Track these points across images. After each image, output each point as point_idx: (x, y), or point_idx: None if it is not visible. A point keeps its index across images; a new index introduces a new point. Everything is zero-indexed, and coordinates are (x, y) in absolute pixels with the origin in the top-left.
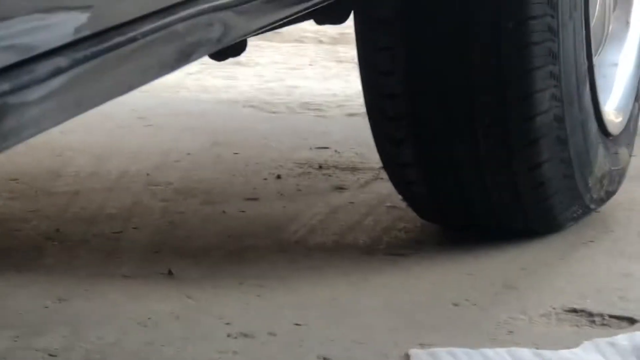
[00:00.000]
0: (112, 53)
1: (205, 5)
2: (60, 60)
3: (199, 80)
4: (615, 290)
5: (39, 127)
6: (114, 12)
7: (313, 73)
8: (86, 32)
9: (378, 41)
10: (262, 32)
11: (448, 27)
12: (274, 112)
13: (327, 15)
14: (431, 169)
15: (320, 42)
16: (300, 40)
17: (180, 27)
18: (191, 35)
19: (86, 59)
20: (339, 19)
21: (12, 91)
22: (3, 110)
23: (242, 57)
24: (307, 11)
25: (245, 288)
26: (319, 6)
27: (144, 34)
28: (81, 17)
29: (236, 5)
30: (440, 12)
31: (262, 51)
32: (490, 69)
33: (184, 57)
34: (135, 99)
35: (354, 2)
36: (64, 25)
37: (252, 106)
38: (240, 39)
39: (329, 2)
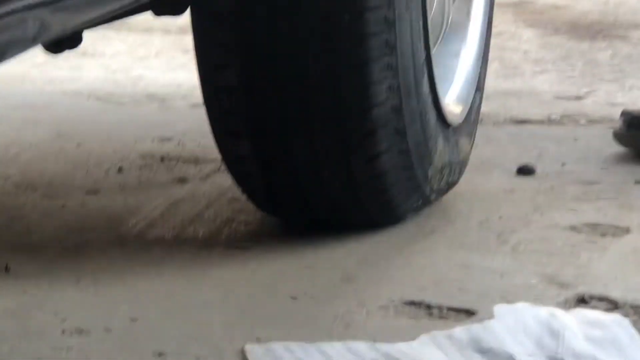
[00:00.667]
0: None
1: (18, 4)
2: None
3: (44, 71)
4: (454, 282)
5: None
6: None
7: (159, 63)
8: None
9: (214, 35)
10: (90, 26)
11: (282, 20)
12: (119, 104)
13: (164, 7)
14: (268, 163)
15: (168, 32)
16: (147, 30)
17: None
18: (2, 34)
19: None
20: (177, 11)
21: None
22: None
23: (88, 48)
24: (134, 5)
25: (81, 283)
26: (149, 4)
27: None
28: None
29: (52, 2)
30: (275, 6)
31: (108, 42)
32: (326, 61)
33: None
34: None
35: None
36: None
37: (97, 98)
38: (66, 34)
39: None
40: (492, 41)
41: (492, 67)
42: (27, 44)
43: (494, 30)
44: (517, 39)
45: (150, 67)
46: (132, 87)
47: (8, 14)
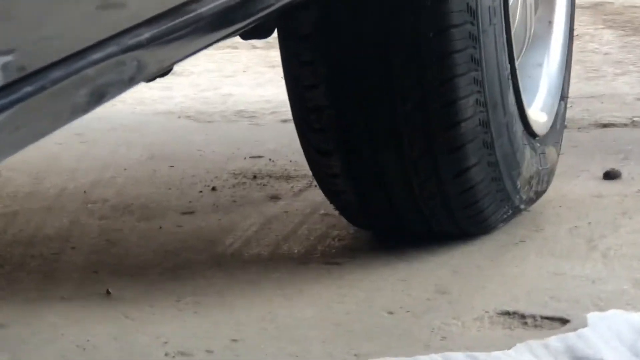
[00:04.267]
0: (22, 104)
1: (116, 48)
2: None
3: (135, 92)
4: (547, 291)
5: None
6: (21, 61)
7: (247, 79)
8: None
9: (301, 55)
10: (182, 60)
11: (367, 38)
12: (209, 122)
13: (252, 31)
14: (359, 179)
15: (254, 47)
16: (233, 46)
17: (90, 71)
18: (102, 77)
19: None
20: (264, 34)
21: None
22: None
23: (177, 67)
24: (227, 37)
25: (182, 305)
26: (239, 32)
27: (53, 82)
28: None
29: (148, 44)
30: (359, 24)
31: (196, 60)
32: (412, 78)
33: (96, 100)
34: None
35: (276, 18)
36: None
37: (187, 117)
38: (161, 71)
39: (247, 27)
40: (573, 44)
41: (574, 70)
42: (125, 86)
43: (575, 32)
44: (597, 40)
45: (239, 83)
46: (221, 105)
47: (105, 57)
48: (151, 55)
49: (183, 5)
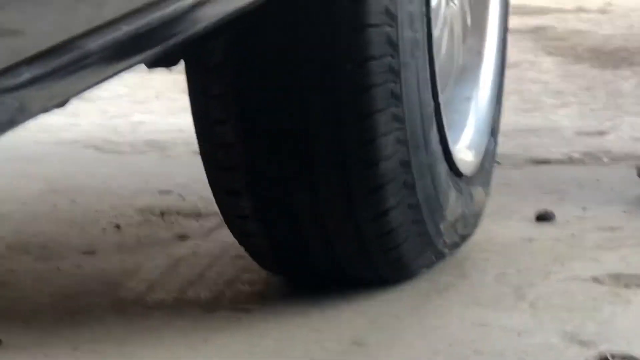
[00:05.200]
0: None
1: None
2: None
3: (38, 118)
4: (470, 343)
5: None
6: None
7: (159, 106)
8: None
9: (209, 88)
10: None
11: (281, 70)
12: (117, 152)
13: (156, 60)
14: (271, 221)
15: (168, 71)
16: (146, 70)
17: None
18: None
19: None
20: (169, 63)
21: None
22: None
23: (85, 92)
24: (123, 71)
25: (79, 354)
26: (137, 64)
27: None
28: None
29: (30, 84)
30: (272, 56)
31: (105, 83)
32: (328, 113)
33: None
34: None
35: (183, 49)
36: None
37: (94, 146)
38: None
39: (145, 60)
40: (509, 72)
41: (510, 101)
42: (4, 128)
43: (510, 59)
44: (536, 68)
45: (151, 110)
46: (131, 134)
47: None
48: (33, 96)
49: (68, 42)
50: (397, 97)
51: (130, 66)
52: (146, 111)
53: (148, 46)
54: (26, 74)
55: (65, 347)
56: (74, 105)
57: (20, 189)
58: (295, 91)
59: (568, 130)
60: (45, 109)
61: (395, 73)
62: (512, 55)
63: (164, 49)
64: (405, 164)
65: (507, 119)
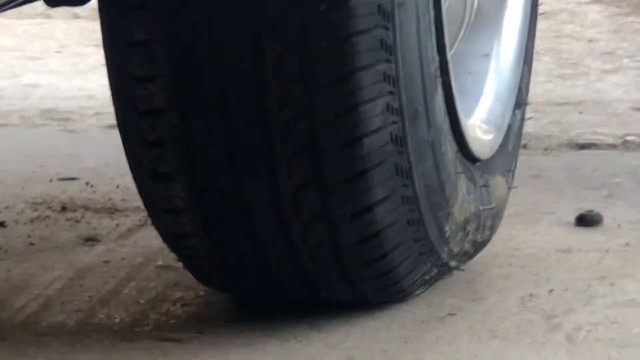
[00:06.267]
0: None
1: None
2: None
3: None
4: None
5: None
6: None
7: (61, 64)
8: None
9: (131, 33)
10: None
11: (232, 6)
12: (1, 126)
13: None
14: (212, 218)
15: (75, 16)
16: (44, 14)
17: None
18: None
19: None
20: (76, 1)
21: None
22: None
23: None
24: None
25: None
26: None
27: None
28: None
29: None
30: None
31: None
32: (294, 69)
33: None
34: None
35: None
36: None
37: None
38: None
39: None
40: (542, 24)
41: (542, 63)
42: None
43: (544, 7)
44: (578, 20)
45: (49, 69)
46: (21, 101)
47: None
48: None
49: None
50: (388, 49)
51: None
52: (43, 70)
53: None
54: None
55: None
56: None
57: None
58: (249, 34)
59: (621, 104)
60: None
61: (386, 15)
62: (546, 1)
63: None
64: (398, 142)
65: (537, 88)
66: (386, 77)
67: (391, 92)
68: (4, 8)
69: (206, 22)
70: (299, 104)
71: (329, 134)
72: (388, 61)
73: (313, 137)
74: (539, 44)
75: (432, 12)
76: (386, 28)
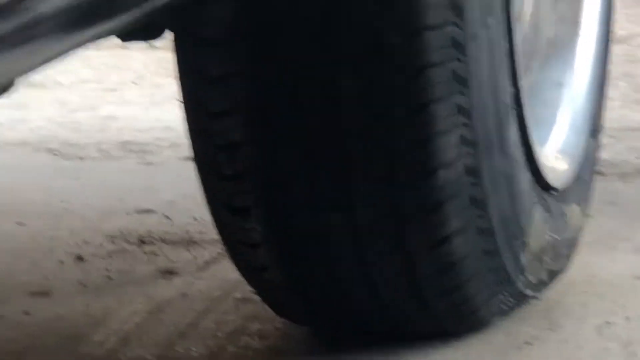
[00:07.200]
0: None
1: None
2: None
3: None
4: None
5: None
6: None
7: (138, 95)
8: None
9: (207, 69)
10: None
11: (309, 43)
12: (80, 158)
13: (132, 32)
14: (289, 251)
15: (151, 47)
16: (121, 45)
17: None
18: None
19: None
20: (150, 36)
21: None
22: None
23: (37, 76)
24: (87, 43)
25: None
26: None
27: None
28: None
29: None
30: (297, 25)
31: (64, 65)
32: (369, 103)
33: None
34: None
35: (169, 17)
36: None
37: (49, 150)
38: None
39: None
40: (617, 50)
41: (618, 89)
42: None
43: (618, 32)
44: None
45: (126, 100)
46: (99, 133)
47: None
48: None
49: (14, 2)
50: (462, 82)
51: (97, 37)
52: (120, 102)
53: (119, 9)
54: None
55: None
56: (23, 93)
57: None
58: (327, 73)
59: None
60: None
61: (459, 48)
62: (620, 25)
63: (142, 15)
64: (473, 173)
65: (613, 114)
66: (460, 109)
67: (465, 124)
68: (83, 46)
69: (282, 58)
70: (376, 137)
71: (405, 166)
72: (462, 93)
73: (390, 170)
74: (614, 69)
75: (504, 43)
76: (459, 60)
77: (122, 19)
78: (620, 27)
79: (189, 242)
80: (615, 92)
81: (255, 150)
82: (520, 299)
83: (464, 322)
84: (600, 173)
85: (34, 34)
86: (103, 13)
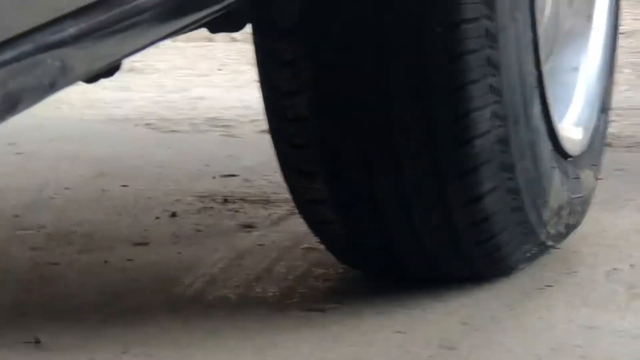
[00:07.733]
0: None
1: (32, 46)
2: None
3: (85, 92)
4: (576, 348)
5: None
6: None
7: (222, 80)
8: None
9: (279, 54)
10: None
11: (363, 34)
12: (173, 132)
13: (220, 23)
14: (349, 207)
15: (233, 39)
16: (208, 38)
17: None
18: (14, 81)
19: None
20: (235, 27)
21: None
22: None
23: (138, 63)
24: (178, 33)
25: (129, 357)
26: (196, 26)
27: None
28: None
29: (74, 41)
30: (353, 18)
31: (162, 54)
32: (415, 84)
33: (7, 109)
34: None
35: (249, 8)
36: None
37: (147, 125)
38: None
39: (204, 20)
40: (623, 42)
41: (623, 75)
42: (45, 92)
43: (623, 27)
44: None
45: (213, 84)
46: (190, 111)
47: (18, 57)
48: (78, 55)
49: None
50: (494, 66)
51: (188, 26)
52: (207, 85)
53: (208, 4)
54: (70, 30)
55: (113, 349)
56: (125, 78)
57: (63, 173)
58: (378, 58)
59: None
60: (90, 72)
61: (492, 38)
62: (626, 22)
63: (227, 7)
64: (503, 142)
65: (620, 96)
66: (492, 89)
67: (496, 101)
68: (177, 34)
69: (340, 42)
70: (422, 112)
71: (446, 136)
72: (494, 75)
73: (433, 139)
74: (620, 58)
75: (529, 34)
76: (492, 48)
77: (211, 10)
78: (626, 24)
79: (265, 201)
80: (621, 77)
81: (319, 123)
82: (542, 248)
83: (495, 267)
84: (609, 145)
85: (134, 22)
86: (193, 5)
